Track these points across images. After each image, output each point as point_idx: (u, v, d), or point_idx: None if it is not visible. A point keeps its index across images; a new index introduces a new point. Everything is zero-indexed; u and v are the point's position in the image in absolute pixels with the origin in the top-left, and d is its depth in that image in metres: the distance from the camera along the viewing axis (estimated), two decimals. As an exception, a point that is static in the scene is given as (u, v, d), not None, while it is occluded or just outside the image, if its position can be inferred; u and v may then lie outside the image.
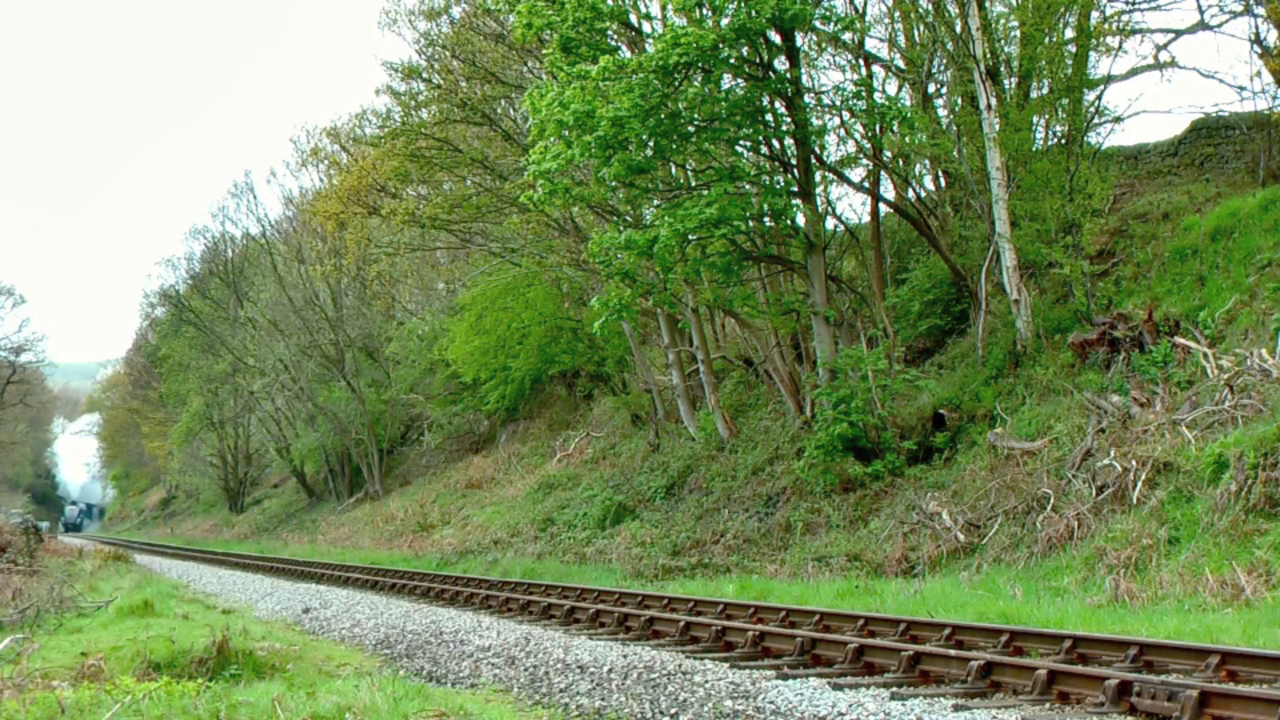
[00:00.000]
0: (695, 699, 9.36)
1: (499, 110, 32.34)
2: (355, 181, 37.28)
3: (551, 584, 19.74)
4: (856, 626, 11.98)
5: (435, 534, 34.43)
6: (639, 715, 9.34)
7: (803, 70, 23.37)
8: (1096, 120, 23.09)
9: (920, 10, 24.40)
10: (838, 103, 22.87)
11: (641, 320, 30.95)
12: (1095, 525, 15.18)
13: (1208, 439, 15.00)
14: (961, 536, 17.20)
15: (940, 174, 26.94)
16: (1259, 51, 21.93)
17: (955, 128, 23.54)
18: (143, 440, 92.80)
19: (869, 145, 24.09)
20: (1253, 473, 13.36)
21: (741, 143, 22.90)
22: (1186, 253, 20.19)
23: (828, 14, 22.00)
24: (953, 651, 10.00)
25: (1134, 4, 23.70)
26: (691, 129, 21.20)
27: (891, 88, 26.88)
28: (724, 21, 20.51)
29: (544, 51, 23.71)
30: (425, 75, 32.91)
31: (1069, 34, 23.16)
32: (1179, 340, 17.94)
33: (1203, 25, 23.05)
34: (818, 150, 22.72)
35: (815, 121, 22.56)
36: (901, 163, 25.13)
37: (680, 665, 10.53)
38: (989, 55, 21.93)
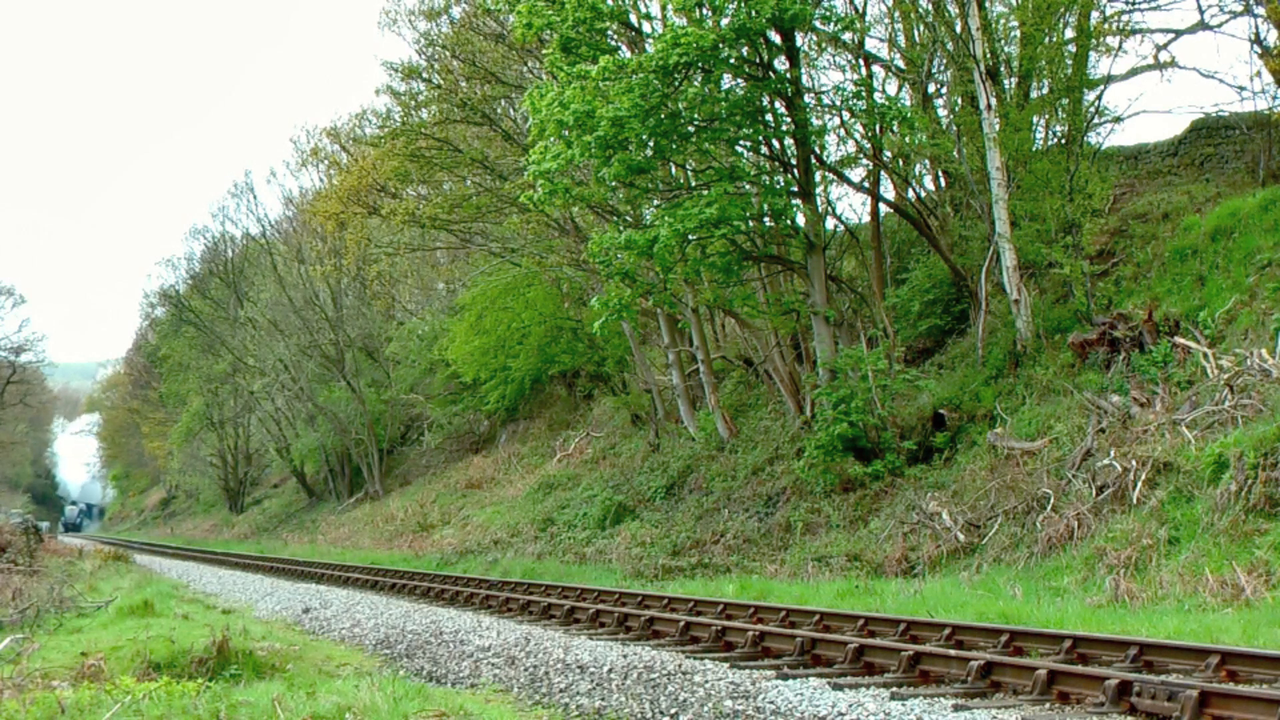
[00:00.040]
0: (695, 699, 9.36)
1: (499, 110, 32.35)
2: (355, 181, 37.28)
3: (551, 584, 19.74)
4: (856, 626, 11.98)
5: (435, 534, 34.43)
6: (639, 715, 9.34)
7: (803, 70, 23.37)
8: (1096, 120, 23.10)
9: (920, 10, 24.40)
10: (838, 103, 22.88)
11: (641, 320, 30.95)
12: (1095, 525, 15.18)
13: (1208, 439, 15.00)
14: (961, 536, 17.20)
15: (940, 174, 26.94)
16: (1259, 51, 21.94)
17: (955, 128, 23.54)
18: (143, 440, 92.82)
19: (869, 145, 24.10)
20: (1253, 473, 13.36)
21: (741, 143, 22.90)
22: (1186, 253, 20.20)
23: (828, 14, 22.00)
24: (953, 651, 10.00)
25: (1134, 4, 23.71)
26: (691, 129, 21.20)
27: (891, 88, 26.91)
28: (724, 21, 20.52)
29: (544, 51, 23.71)
30: (425, 75, 32.92)
31: (1069, 34, 23.16)
32: (1179, 340, 17.94)
33: (1203, 25, 23.05)
34: (818, 150, 22.73)
35: (815, 121, 22.57)
36: (901, 163, 25.13)
37: (680, 665, 10.53)
38: (989, 55, 21.93)
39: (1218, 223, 20.06)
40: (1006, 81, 22.87)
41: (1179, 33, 23.64)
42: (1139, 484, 15.15)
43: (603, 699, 9.93)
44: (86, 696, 8.93)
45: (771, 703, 8.90)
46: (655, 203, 24.56)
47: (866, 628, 11.85)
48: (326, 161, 48.98)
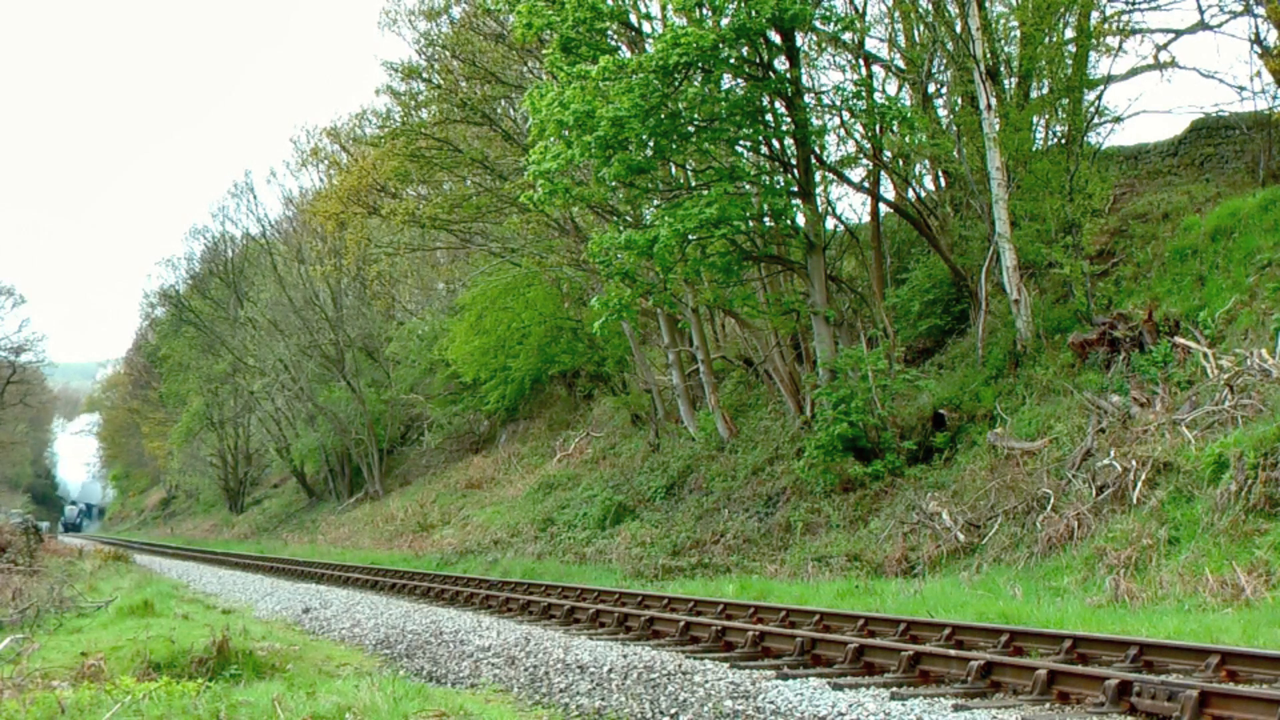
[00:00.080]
0: (695, 699, 9.36)
1: (499, 110, 32.35)
2: (355, 181, 37.28)
3: (551, 584, 19.74)
4: (856, 626, 11.98)
5: (435, 534, 34.43)
6: (639, 715, 9.34)
7: (803, 70, 23.37)
8: (1096, 120, 23.10)
9: (920, 10, 24.40)
10: (838, 103, 22.88)
11: (641, 320, 30.95)
12: (1095, 525, 15.18)
13: (1208, 439, 15.00)
14: (961, 536, 17.20)
15: (940, 174, 26.95)
16: (1259, 51, 21.95)
17: (955, 128, 23.54)
18: (143, 440, 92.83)
19: (869, 145, 24.10)
20: (1253, 473, 13.36)
21: (741, 143, 22.90)
22: (1186, 253, 20.20)
23: (828, 14, 22.00)
24: (953, 651, 10.00)
25: (1134, 4, 23.71)
26: (691, 129, 21.19)
27: (891, 88, 26.91)
28: (724, 21, 20.52)
29: (544, 51, 23.71)
30: (425, 75, 32.92)
31: (1069, 34, 23.16)
32: (1179, 340, 17.94)
33: (1203, 25, 23.06)
34: (818, 150, 22.73)
35: (815, 121, 22.57)
36: (901, 163, 25.13)
37: (680, 665, 10.53)
38: (989, 55, 21.93)
39: (1218, 223, 20.06)
40: (1006, 81, 22.88)
41: (1179, 33, 23.66)
42: (1139, 484, 15.15)
43: (603, 699, 9.93)
44: (86, 696, 8.93)
45: (771, 703, 8.90)
46: (655, 203, 24.56)
47: (866, 628, 11.85)
48: (326, 161, 49.00)
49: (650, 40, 22.57)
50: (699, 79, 20.87)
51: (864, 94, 23.03)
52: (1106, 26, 23.10)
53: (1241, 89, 37.09)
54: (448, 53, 32.11)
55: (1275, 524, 12.85)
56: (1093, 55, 23.06)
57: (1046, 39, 22.36)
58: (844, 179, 25.02)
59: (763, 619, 13.30)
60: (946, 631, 11.08)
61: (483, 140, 32.69)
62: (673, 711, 9.21)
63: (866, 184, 25.21)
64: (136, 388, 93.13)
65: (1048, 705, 8.38)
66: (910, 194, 25.57)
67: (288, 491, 65.12)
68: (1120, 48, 23.25)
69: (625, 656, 11.28)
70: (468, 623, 15.42)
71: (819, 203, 23.68)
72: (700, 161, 23.86)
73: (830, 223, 26.05)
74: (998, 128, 21.21)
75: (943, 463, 20.10)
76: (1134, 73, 23.90)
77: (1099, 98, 23.05)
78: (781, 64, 21.80)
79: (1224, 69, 61.93)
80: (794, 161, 22.54)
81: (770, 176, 22.72)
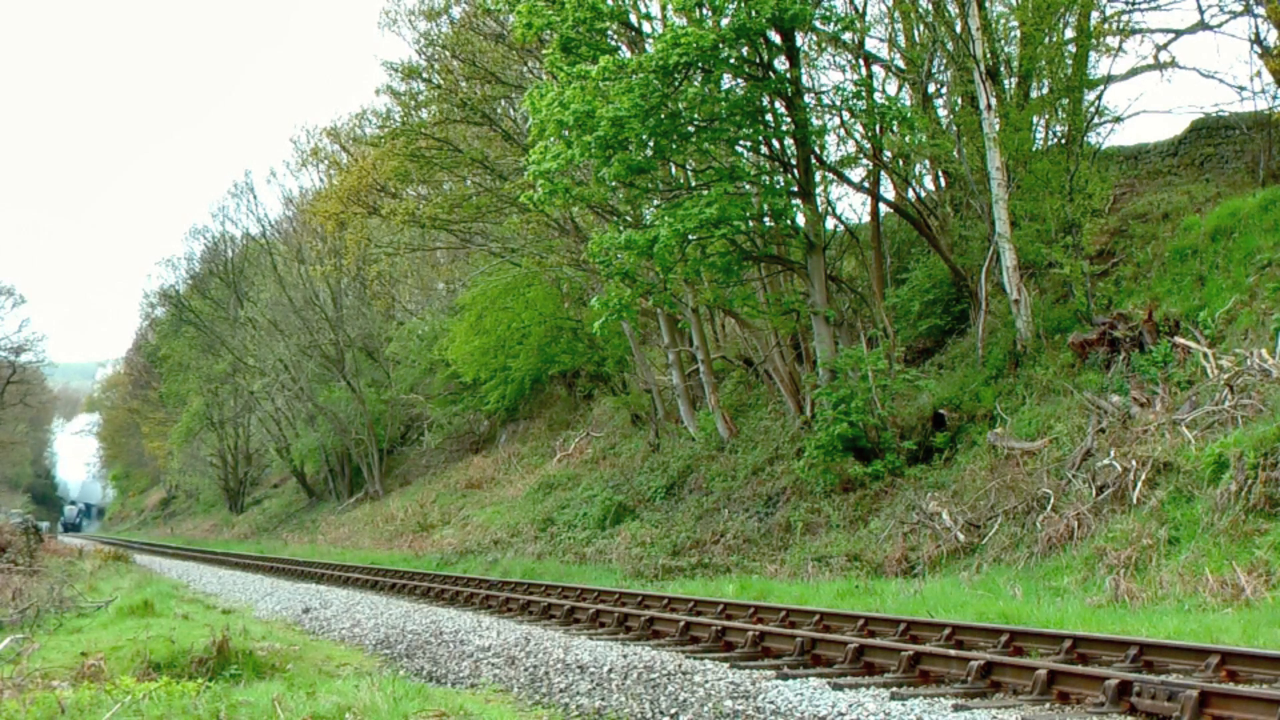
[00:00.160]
0: (695, 699, 9.36)
1: (499, 110, 32.35)
2: (355, 181, 37.29)
3: (551, 584, 19.74)
4: (856, 626, 11.98)
5: (435, 534, 34.43)
6: (639, 715, 9.34)
7: (803, 70, 23.37)
8: (1096, 120, 23.10)
9: (920, 10, 24.40)
10: (838, 103, 22.88)
11: (641, 320, 30.95)
12: (1095, 525, 15.18)
13: (1208, 439, 15.00)
14: (961, 536, 17.20)
15: (940, 174, 26.95)
16: (1259, 51, 21.95)
17: (955, 128, 23.54)
18: (143, 440, 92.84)
19: (869, 145, 24.10)
20: (1253, 473, 13.36)
21: (741, 143, 22.90)
22: (1186, 253, 20.20)
23: (828, 14, 22.00)
24: (953, 651, 10.00)
25: (1134, 4, 23.72)
26: (691, 129, 21.20)
27: (891, 88, 26.91)
28: (724, 21, 20.52)
29: (544, 51, 23.71)
30: (425, 75, 32.92)
31: (1069, 34, 23.16)
32: (1179, 340, 17.94)
33: (1203, 25, 23.06)
34: (818, 150, 22.73)
35: (815, 121, 22.57)
36: (901, 163, 25.13)
37: (680, 665, 10.53)
38: (989, 55, 21.93)
39: (1218, 223, 20.06)
40: (1006, 81, 22.88)
41: (1179, 33, 23.67)
42: (1139, 484, 15.15)
43: (603, 699, 9.93)
44: (86, 696, 8.93)
45: (771, 703, 8.90)
46: (655, 203, 24.56)
47: (866, 628, 11.85)
48: (326, 161, 49.01)
49: (650, 40, 22.57)
50: (699, 79, 20.87)
51: (864, 94, 23.03)
52: (1106, 26, 23.11)
53: (1241, 89, 37.15)
54: (448, 53, 32.11)
55: (1275, 524, 12.85)
56: (1093, 55, 23.09)
57: (1046, 39, 22.37)
58: (844, 179, 25.03)
59: (763, 619, 13.30)
60: (946, 631, 11.08)
61: (483, 140, 32.70)
62: (673, 711, 9.21)
63: (866, 184, 25.21)
64: (136, 388, 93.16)
65: (1048, 705, 8.38)
66: (910, 194, 25.57)
67: (288, 491, 65.13)
68: (1120, 48, 23.28)
69: (625, 656, 11.28)
70: (468, 623, 15.42)
71: (819, 203, 23.68)
72: (700, 161, 23.87)
73: (830, 223, 26.07)
74: (998, 128, 21.21)
75: (943, 463, 20.11)
76: (1134, 73, 23.91)
77: (1099, 98, 23.08)
78: (781, 64, 21.81)
79: (1224, 69, 62.04)
80: (794, 161, 22.54)
81: (770, 176, 22.72)
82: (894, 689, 9.09)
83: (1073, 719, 7.91)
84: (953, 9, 22.98)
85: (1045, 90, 23.21)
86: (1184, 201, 22.22)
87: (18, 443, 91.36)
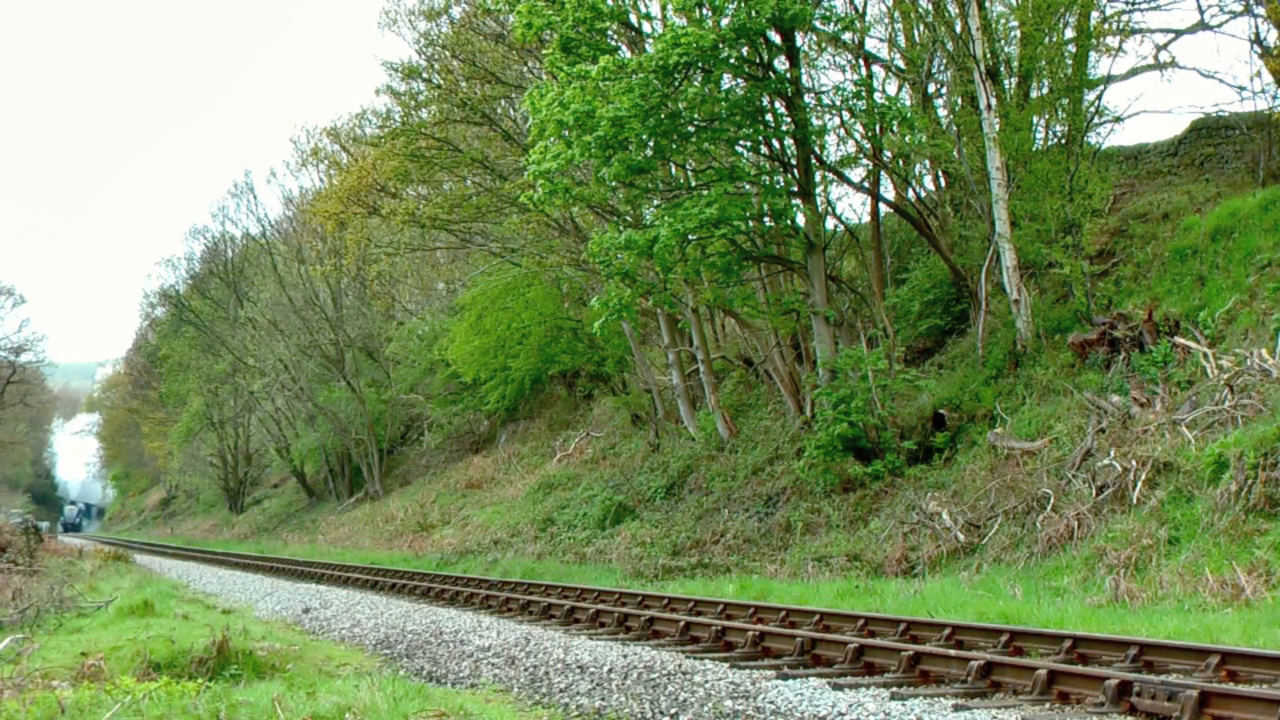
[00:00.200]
0: (695, 699, 9.36)
1: (499, 110, 32.35)
2: (355, 181, 37.29)
3: (551, 584, 19.74)
4: (856, 626, 11.98)
5: (435, 534, 34.43)
6: (639, 715, 9.34)
7: (803, 70, 23.38)
8: (1096, 120, 23.10)
9: (920, 10, 24.41)
10: (838, 103, 22.88)
11: (641, 320, 30.95)
12: (1095, 525, 15.18)
13: (1208, 439, 15.00)
14: (961, 536, 17.20)
15: (940, 174, 26.95)
16: (1259, 51, 21.96)
17: (955, 128, 23.55)
18: (143, 440, 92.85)
19: (869, 145, 24.10)
20: (1253, 473, 13.36)
21: (741, 143, 22.91)
22: (1186, 253, 20.20)
23: (828, 14, 22.01)
24: (953, 651, 10.00)
25: (1134, 4, 23.72)
26: (691, 129, 21.20)
27: (891, 88, 26.92)
28: (724, 21, 20.52)
29: (544, 51, 23.71)
30: (425, 75, 32.93)
31: (1069, 34, 23.17)
32: (1179, 340, 17.94)
33: (1203, 25, 23.06)
34: (818, 150, 22.73)
35: (815, 121, 22.57)
36: (901, 163, 25.14)
37: (680, 665, 10.53)
38: (989, 55, 21.93)
39: (1218, 223, 20.06)
40: (1006, 81, 22.88)
41: (1179, 33, 23.67)
42: (1139, 484, 15.15)
43: (603, 699, 9.93)
44: (86, 696, 8.93)
45: (771, 703, 8.90)
46: (655, 203, 24.57)
47: (866, 628, 11.85)
48: (326, 161, 49.01)
49: (650, 40, 22.57)
50: (699, 79, 20.87)
51: (864, 94, 23.03)
52: (1106, 26, 23.11)
53: (1241, 89, 37.16)
54: (448, 53, 32.11)
55: (1275, 524, 12.85)
56: (1093, 55, 23.09)
57: (1046, 39, 22.37)
58: (844, 179, 25.03)
59: (763, 619, 13.30)
60: (946, 631, 11.08)
61: (483, 140, 32.70)
62: (673, 711, 9.21)
63: (866, 184, 25.22)
64: (136, 388, 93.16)
65: (1048, 705, 8.38)
66: (910, 194, 25.57)
67: (288, 491, 65.13)
68: (1120, 48, 23.29)
69: (625, 656, 11.28)
70: (468, 623, 15.42)
71: (819, 203, 23.69)
72: (700, 161, 23.87)
73: (830, 223, 26.07)
74: (998, 128, 21.21)
75: (943, 463, 20.11)
76: (1134, 73, 23.92)
77: (1099, 98, 23.08)
78: (781, 64, 21.81)
79: (1224, 69, 62.09)
80: (794, 161, 22.54)
81: (770, 176, 22.72)
82: (894, 689, 9.09)
83: (1073, 719, 7.91)
84: (953, 9, 22.98)
85: (1045, 90, 23.22)
86: (1184, 201, 22.22)
87: (18, 443, 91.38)
